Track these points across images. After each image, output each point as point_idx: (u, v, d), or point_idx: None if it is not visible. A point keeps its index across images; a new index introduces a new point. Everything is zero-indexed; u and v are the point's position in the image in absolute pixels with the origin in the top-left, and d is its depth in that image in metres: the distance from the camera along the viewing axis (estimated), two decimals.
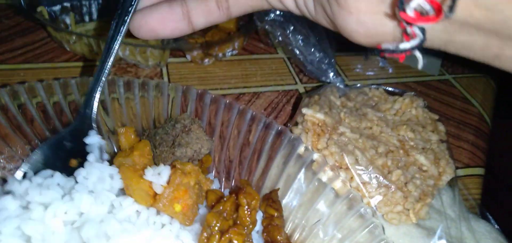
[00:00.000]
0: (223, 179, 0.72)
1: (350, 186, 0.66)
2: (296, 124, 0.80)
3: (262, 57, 1.13)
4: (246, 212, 0.56)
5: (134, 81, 0.72)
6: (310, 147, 0.71)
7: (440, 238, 0.70)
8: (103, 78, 0.62)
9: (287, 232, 0.64)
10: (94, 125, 0.63)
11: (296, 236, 0.65)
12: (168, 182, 0.55)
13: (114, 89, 0.71)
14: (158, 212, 0.55)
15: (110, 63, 0.60)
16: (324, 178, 0.67)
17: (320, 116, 0.76)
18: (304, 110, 0.77)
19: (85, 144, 0.62)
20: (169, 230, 0.53)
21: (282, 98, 1.00)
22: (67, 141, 0.62)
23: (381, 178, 0.70)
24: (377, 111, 0.83)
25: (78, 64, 0.97)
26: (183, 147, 0.66)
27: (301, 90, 1.04)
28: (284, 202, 0.67)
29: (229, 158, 0.72)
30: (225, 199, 0.57)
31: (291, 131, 0.77)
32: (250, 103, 0.97)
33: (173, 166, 0.57)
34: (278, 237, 0.59)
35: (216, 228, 0.54)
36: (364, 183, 0.70)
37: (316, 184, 0.67)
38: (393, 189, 0.69)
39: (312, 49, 1.01)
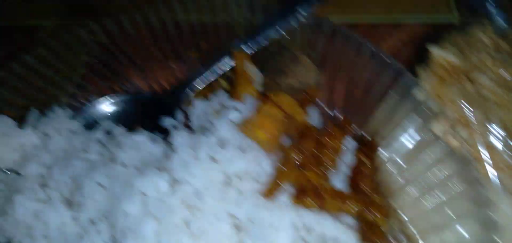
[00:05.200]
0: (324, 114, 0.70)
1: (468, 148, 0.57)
2: (424, 64, 0.71)
3: None
4: (327, 150, 0.56)
5: None
6: (428, 93, 0.62)
7: None
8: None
9: (381, 179, 0.61)
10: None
11: (391, 185, 0.61)
12: (259, 108, 0.59)
13: None
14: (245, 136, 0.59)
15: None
16: (437, 130, 0.60)
17: (451, 58, 0.65)
18: (432, 49, 0.67)
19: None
20: (252, 155, 0.57)
21: (428, 32, 0.87)
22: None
23: None
24: None
25: None
26: (289, 78, 0.68)
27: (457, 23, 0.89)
28: (387, 146, 0.63)
29: (335, 92, 0.70)
30: (310, 135, 0.58)
31: (416, 72, 0.68)
32: (386, 36, 0.88)
33: (265, 95, 0.60)
34: (362, 183, 0.57)
35: (295, 161, 0.55)
36: (490, 148, 0.59)
37: (425, 136, 0.60)
38: None
39: None
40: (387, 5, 0.93)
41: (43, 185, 0.62)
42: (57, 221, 0.59)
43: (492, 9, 0.78)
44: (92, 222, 0.59)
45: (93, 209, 0.59)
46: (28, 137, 0.68)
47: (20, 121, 0.70)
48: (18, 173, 0.65)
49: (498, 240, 0.48)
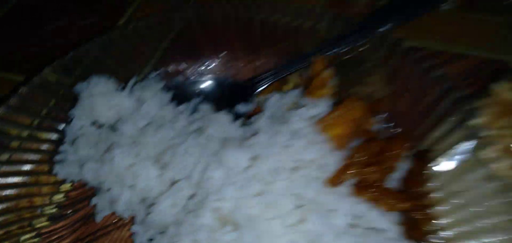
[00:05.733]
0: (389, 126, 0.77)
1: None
2: (487, 97, 0.76)
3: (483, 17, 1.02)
4: (388, 156, 0.63)
5: None
6: (483, 124, 0.68)
7: None
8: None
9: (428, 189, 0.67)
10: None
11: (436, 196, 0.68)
12: (334, 110, 0.67)
13: None
14: (317, 132, 0.67)
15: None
16: (485, 156, 0.66)
17: (510, 96, 0.71)
18: (493, 85, 0.73)
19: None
20: (320, 147, 0.65)
21: (493, 67, 0.91)
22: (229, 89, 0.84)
23: None
24: None
25: None
26: (361, 85, 0.75)
27: None
28: (438, 162, 0.69)
29: (400, 107, 0.77)
30: (375, 140, 0.65)
31: (475, 103, 0.74)
32: (447, 64, 0.93)
33: (343, 99, 0.68)
34: (414, 187, 0.64)
35: (358, 160, 0.63)
36: None
37: (473, 159, 0.66)
38: None
39: None
40: (452, 36, 0.98)
41: (136, 143, 0.73)
42: (144, 175, 0.70)
43: None
44: (175, 181, 0.69)
45: (178, 170, 0.68)
46: (125, 100, 0.79)
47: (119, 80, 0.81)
48: (114, 130, 0.76)
49: None
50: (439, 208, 0.66)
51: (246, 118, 0.77)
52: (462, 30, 0.99)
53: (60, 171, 0.74)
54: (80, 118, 0.77)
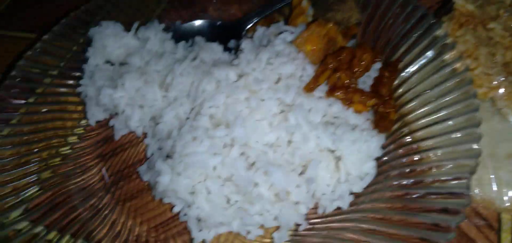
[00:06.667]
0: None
1: (469, 71, 0.72)
2: (447, 12, 0.85)
3: None
4: (357, 61, 0.73)
5: None
6: (447, 33, 0.77)
7: None
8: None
9: (396, 94, 0.77)
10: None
11: (403, 94, 0.77)
12: (307, 28, 0.77)
13: None
14: (297, 51, 0.78)
15: None
16: (447, 58, 0.75)
17: (469, 6, 0.80)
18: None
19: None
20: (299, 62, 0.76)
21: None
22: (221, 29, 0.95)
23: (511, 77, 0.73)
24: None
25: None
26: (334, 11, 0.85)
27: None
28: (405, 67, 0.78)
29: (372, 29, 0.87)
30: (346, 50, 0.75)
31: (441, 17, 0.83)
32: None
33: (317, 20, 0.79)
34: (381, 89, 0.74)
35: (330, 66, 0.74)
36: (487, 74, 0.74)
37: (437, 62, 0.75)
38: None
39: None
40: None
41: (142, 71, 0.85)
42: (151, 96, 0.82)
43: None
44: (177, 98, 0.80)
45: (178, 90, 0.80)
46: (131, 40, 0.91)
47: (127, 28, 0.94)
48: (125, 64, 0.89)
49: (477, 130, 0.63)
50: (408, 106, 0.76)
51: (236, 50, 0.88)
52: None
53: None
54: (95, 56, 0.89)
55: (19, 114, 0.81)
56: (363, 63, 0.74)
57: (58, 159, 0.80)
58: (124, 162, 0.82)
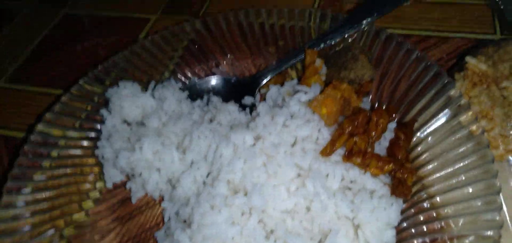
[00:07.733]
0: (376, 104, 0.88)
1: (485, 133, 0.72)
2: (460, 70, 0.86)
3: (465, 2, 1.13)
4: (374, 125, 0.74)
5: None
6: (460, 93, 0.78)
7: None
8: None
9: (412, 155, 0.78)
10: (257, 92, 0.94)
11: (419, 155, 0.77)
12: (322, 92, 0.78)
13: None
14: (312, 112, 0.79)
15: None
16: (462, 119, 0.75)
17: (482, 66, 0.81)
18: (467, 58, 0.83)
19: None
20: (314, 124, 0.77)
21: (470, 46, 1.02)
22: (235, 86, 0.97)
23: None
24: None
25: None
26: (347, 70, 0.86)
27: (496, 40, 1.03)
28: (421, 129, 0.79)
29: (385, 87, 0.88)
30: (362, 112, 0.76)
31: (454, 75, 0.84)
32: (434, 47, 1.04)
33: (331, 82, 0.80)
34: (398, 153, 0.74)
35: (347, 130, 0.74)
36: (503, 136, 0.74)
37: (452, 124, 0.75)
38: None
39: None
40: (438, 22, 1.09)
41: (160, 134, 0.86)
42: (168, 158, 0.83)
43: None
44: (194, 162, 0.81)
45: (196, 152, 0.81)
46: (148, 99, 0.93)
47: (143, 85, 0.96)
48: (142, 124, 0.90)
49: (498, 199, 0.63)
50: (425, 168, 0.76)
51: (251, 108, 0.90)
52: (445, 16, 1.10)
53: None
54: (113, 117, 0.91)
55: (34, 181, 0.81)
56: (380, 127, 0.74)
57: (72, 227, 0.80)
58: (142, 226, 0.82)
